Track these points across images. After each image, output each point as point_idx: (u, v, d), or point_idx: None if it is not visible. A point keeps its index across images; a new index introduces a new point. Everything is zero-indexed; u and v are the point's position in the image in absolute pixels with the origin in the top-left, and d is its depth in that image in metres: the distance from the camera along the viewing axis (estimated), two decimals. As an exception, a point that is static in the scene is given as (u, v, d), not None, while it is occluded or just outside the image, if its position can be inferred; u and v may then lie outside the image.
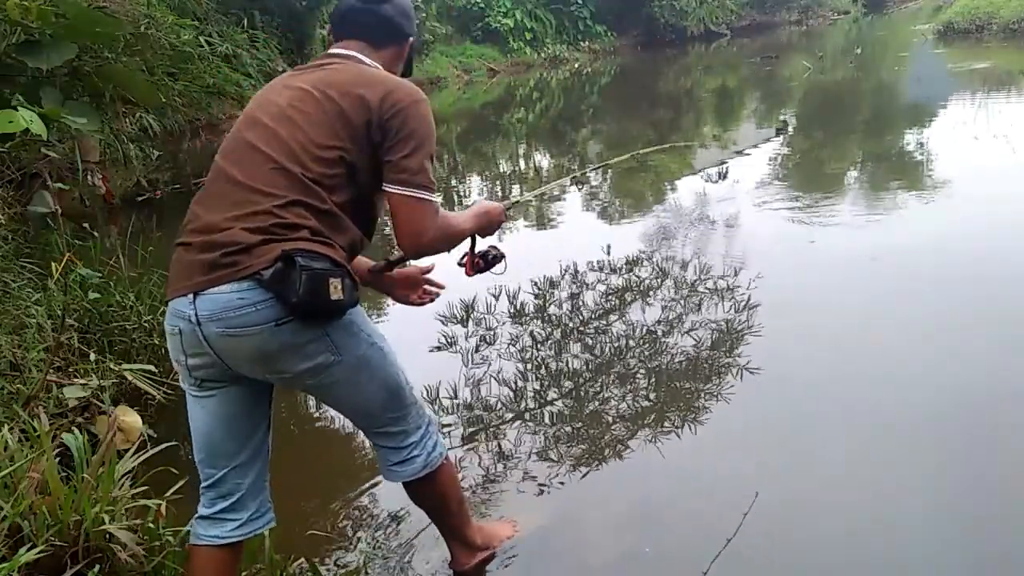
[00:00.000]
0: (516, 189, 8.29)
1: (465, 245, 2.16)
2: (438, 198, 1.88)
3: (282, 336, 1.66)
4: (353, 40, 1.94)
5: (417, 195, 1.79)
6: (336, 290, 1.64)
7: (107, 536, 2.01)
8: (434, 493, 2.08)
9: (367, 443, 3.19)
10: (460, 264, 2.24)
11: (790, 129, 10.33)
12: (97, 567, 1.93)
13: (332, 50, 1.94)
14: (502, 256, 2.20)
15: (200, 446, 1.87)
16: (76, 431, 2.43)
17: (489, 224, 2.10)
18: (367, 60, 1.91)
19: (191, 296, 1.66)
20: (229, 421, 1.83)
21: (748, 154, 8.81)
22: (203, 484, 1.89)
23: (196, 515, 1.91)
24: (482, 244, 2.19)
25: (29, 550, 1.80)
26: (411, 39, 2.02)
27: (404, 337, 4.45)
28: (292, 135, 1.74)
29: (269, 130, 1.75)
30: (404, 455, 1.96)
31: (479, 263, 2.16)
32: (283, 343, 1.67)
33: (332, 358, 1.74)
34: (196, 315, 1.65)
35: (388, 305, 5.06)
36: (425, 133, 1.83)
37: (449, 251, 2.04)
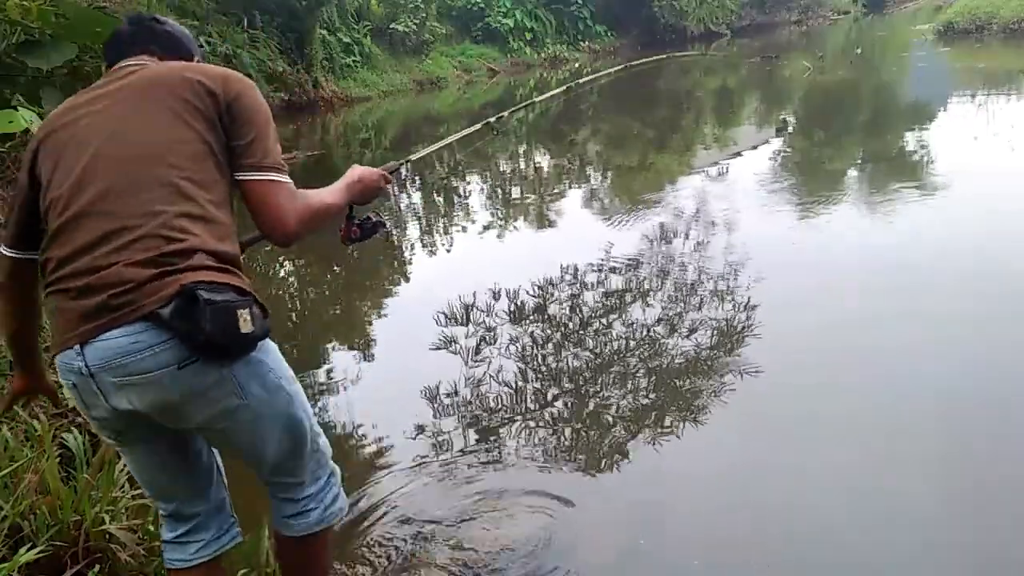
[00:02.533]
0: (516, 191, 8.30)
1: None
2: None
3: (184, 380, 1.47)
4: (138, 55, 1.73)
5: (272, 178, 1.61)
6: (246, 322, 1.47)
7: (107, 536, 2.01)
8: (310, 553, 1.84)
9: (360, 443, 3.20)
10: (339, 231, 2.05)
11: (790, 129, 10.33)
12: (97, 567, 1.93)
13: (115, 68, 1.71)
14: (381, 224, 2.02)
15: (145, 486, 1.78)
16: (76, 431, 2.43)
17: (364, 191, 1.89)
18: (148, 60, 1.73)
19: (78, 347, 1.46)
20: (164, 467, 1.70)
21: (748, 154, 8.81)
22: (160, 514, 1.81)
23: (162, 539, 1.81)
24: (361, 212, 2.02)
25: (29, 550, 1.80)
26: (196, 59, 1.83)
27: (404, 335, 4.49)
28: (140, 137, 1.55)
29: (110, 142, 1.55)
30: (300, 507, 1.78)
31: (355, 231, 1.99)
32: (185, 389, 1.49)
33: (237, 401, 1.55)
34: (87, 366, 1.47)
35: (388, 305, 5.06)
36: (266, 113, 1.65)
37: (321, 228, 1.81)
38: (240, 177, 1.61)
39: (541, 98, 2.98)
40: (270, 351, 1.62)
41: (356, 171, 1.90)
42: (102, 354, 1.46)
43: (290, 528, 1.80)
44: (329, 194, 1.78)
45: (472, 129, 2.46)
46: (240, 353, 1.52)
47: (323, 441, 1.81)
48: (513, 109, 3.14)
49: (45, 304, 1.63)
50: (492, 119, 2.54)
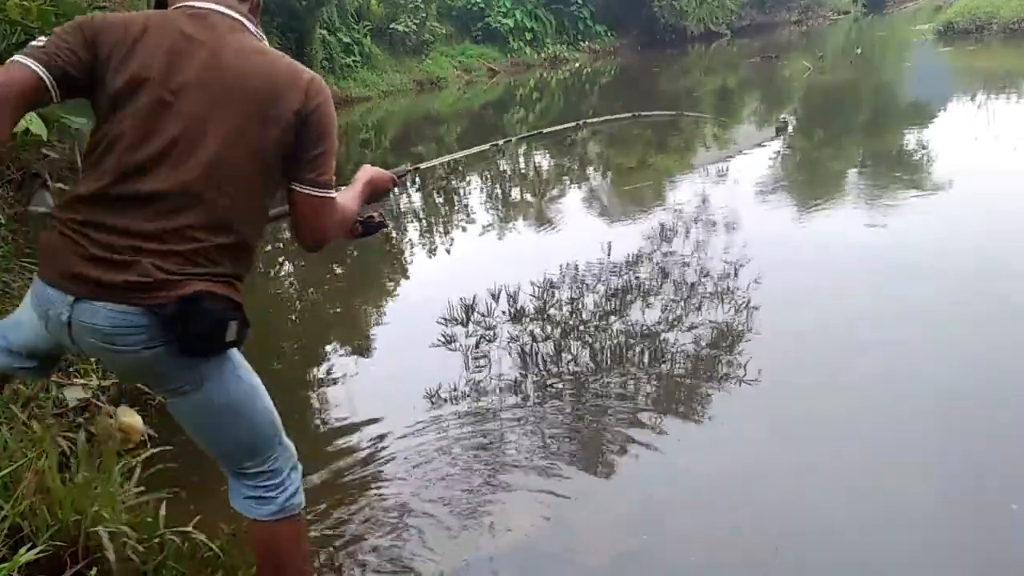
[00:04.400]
0: (516, 192, 8.30)
1: None
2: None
3: (155, 359, 1.60)
4: None
5: (326, 194, 1.70)
6: (232, 331, 1.61)
7: (107, 536, 2.00)
8: (279, 547, 1.86)
9: (361, 444, 3.20)
10: None
11: (790, 129, 10.33)
12: (95, 569, 1.93)
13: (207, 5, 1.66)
14: (383, 223, 2.08)
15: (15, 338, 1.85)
16: (76, 431, 2.43)
17: (374, 192, 2.00)
18: (239, 17, 1.68)
19: (71, 298, 1.56)
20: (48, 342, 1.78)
21: (748, 154, 8.81)
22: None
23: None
24: (366, 209, 2.07)
25: (29, 550, 1.79)
26: None
27: (404, 334, 4.48)
28: (216, 146, 1.57)
29: (191, 125, 1.57)
30: (260, 492, 1.80)
31: (357, 228, 2.02)
32: (150, 366, 1.62)
33: (192, 387, 1.65)
34: (70, 318, 1.57)
35: (387, 304, 5.06)
36: (334, 130, 1.70)
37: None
38: (297, 188, 1.68)
39: (548, 130, 2.96)
40: (235, 352, 1.72)
41: (368, 172, 1.98)
42: (91, 317, 1.56)
43: (250, 511, 1.82)
44: (352, 201, 1.88)
45: (481, 148, 2.52)
46: (214, 354, 1.65)
47: (286, 439, 1.84)
48: (521, 136, 3.26)
49: (49, 225, 1.65)
50: (500, 142, 2.63)
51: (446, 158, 2.47)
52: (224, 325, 1.59)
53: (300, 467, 1.88)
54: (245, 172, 1.62)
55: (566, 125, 3.08)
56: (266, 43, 1.73)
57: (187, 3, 1.67)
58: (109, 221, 1.56)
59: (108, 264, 1.54)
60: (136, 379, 1.74)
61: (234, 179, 1.60)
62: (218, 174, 1.58)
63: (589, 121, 2.61)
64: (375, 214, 2.07)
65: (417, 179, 8.79)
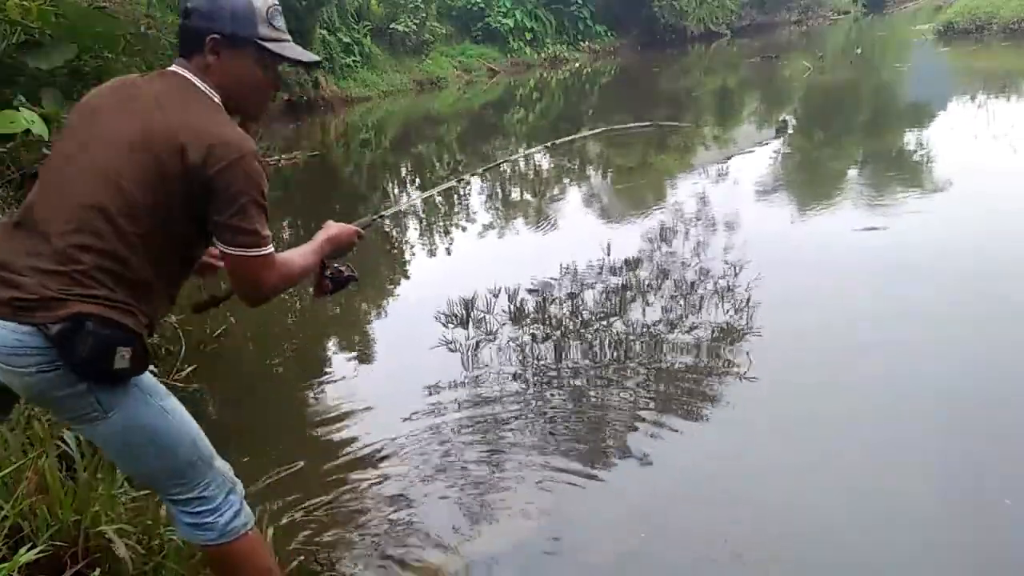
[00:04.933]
0: (516, 192, 8.30)
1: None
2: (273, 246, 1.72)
3: (43, 383, 1.59)
4: (182, 57, 1.77)
5: (249, 253, 1.68)
6: (123, 359, 1.59)
7: (107, 536, 2.00)
8: (232, 567, 1.84)
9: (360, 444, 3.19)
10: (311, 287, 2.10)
11: (790, 129, 10.33)
12: (97, 570, 1.93)
13: (161, 71, 1.79)
14: (353, 277, 2.06)
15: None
16: (76, 431, 2.42)
17: (337, 248, 1.99)
18: (191, 77, 1.73)
19: None
20: None
21: (748, 153, 8.81)
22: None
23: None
24: (334, 263, 2.06)
25: (29, 550, 1.80)
26: (213, 36, 1.71)
27: (404, 334, 4.48)
28: (109, 180, 1.62)
29: (90, 166, 1.64)
30: (197, 519, 1.77)
31: (326, 285, 2.02)
32: (43, 389, 1.61)
33: (95, 415, 1.63)
34: None
35: (387, 304, 5.06)
36: (252, 188, 1.66)
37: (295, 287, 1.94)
38: (221, 247, 1.69)
39: (513, 157, 2.80)
40: (143, 377, 1.69)
41: (331, 229, 1.98)
42: None
43: (192, 536, 1.81)
44: (302, 257, 1.88)
45: (444, 187, 2.54)
46: (106, 381, 1.62)
47: (217, 463, 1.80)
48: (486, 167, 3.20)
49: None
50: (465, 176, 2.66)
51: (412, 200, 2.46)
52: (110, 351, 1.57)
53: (240, 487, 1.84)
54: (139, 213, 1.62)
55: (533, 150, 3.06)
56: (213, 101, 1.73)
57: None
58: (8, 245, 1.63)
59: (3, 283, 1.58)
60: (40, 403, 1.73)
61: (128, 217, 1.61)
62: (110, 208, 1.60)
63: (557, 142, 2.52)
64: (343, 268, 2.04)
65: (416, 179, 8.79)
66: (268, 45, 1.76)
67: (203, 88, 1.72)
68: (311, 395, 3.73)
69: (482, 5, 19.66)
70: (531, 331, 4.23)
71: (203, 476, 1.76)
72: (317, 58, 2.09)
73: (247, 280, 1.73)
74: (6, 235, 1.66)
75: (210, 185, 1.63)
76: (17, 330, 1.56)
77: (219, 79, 1.73)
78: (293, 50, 1.84)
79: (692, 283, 4.77)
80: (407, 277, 5.68)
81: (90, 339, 1.55)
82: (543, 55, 20.55)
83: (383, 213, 2.26)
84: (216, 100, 1.73)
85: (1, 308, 1.57)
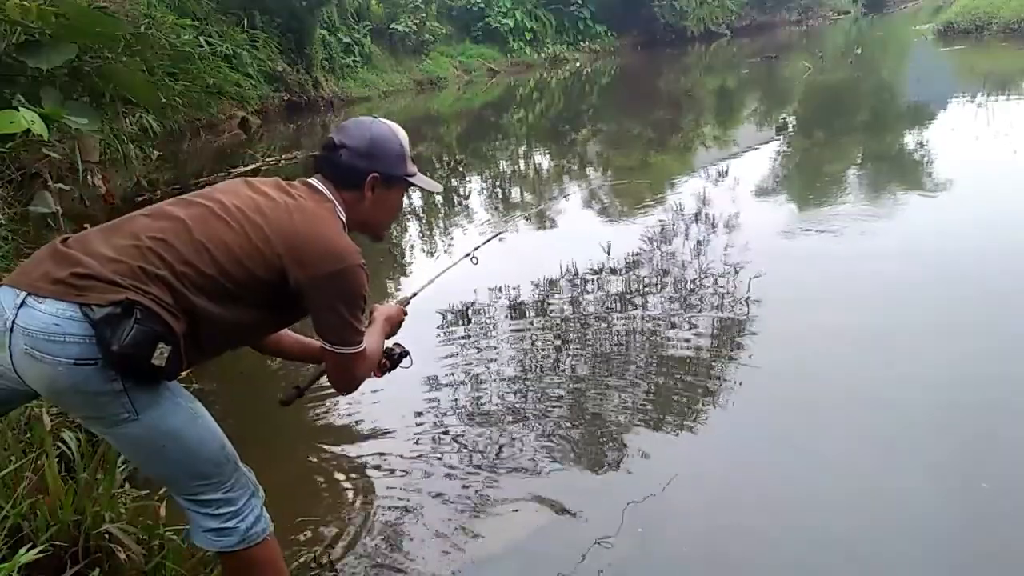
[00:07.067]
0: (516, 191, 8.30)
1: None
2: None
3: (76, 377, 1.56)
4: (326, 178, 1.90)
5: (344, 352, 1.81)
6: (160, 356, 1.56)
7: (107, 536, 2.01)
8: (249, 571, 1.83)
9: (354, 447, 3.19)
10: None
11: (790, 129, 10.34)
12: (97, 569, 1.93)
13: (311, 179, 1.91)
14: (406, 352, 2.21)
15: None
16: (76, 431, 2.43)
17: (394, 327, 2.17)
18: (329, 195, 1.86)
19: (21, 297, 1.57)
20: None
21: (748, 153, 8.82)
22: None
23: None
24: (387, 343, 2.18)
25: (29, 550, 1.79)
26: (374, 174, 1.87)
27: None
28: (218, 238, 1.69)
29: (209, 215, 1.72)
30: (220, 523, 1.76)
31: (385, 364, 2.15)
32: (75, 383, 1.57)
33: (126, 415, 1.62)
34: (14, 320, 1.56)
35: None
36: (347, 297, 1.76)
37: None
38: (320, 343, 1.82)
39: (487, 241, 2.68)
40: (173, 383, 1.71)
41: (383, 312, 2.14)
42: (28, 319, 1.55)
43: (211, 544, 1.79)
44: (376, 341, 2.01)
45: (453, 263, 2.62)
46: (140, 377, 1.60)
47: (242, 467, 1.80)
48: (488, 238, 3.25)
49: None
50: (473, 251, 2.75)
51: (433, 278, 2.56)
52: (152, 344, 1.55)
53: (262, 493, 1.84)
54: (233, 268, 1.67)
55: (490, 237, 3.13)
56: (335, 210, 1.84)
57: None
58: (96, 237, 1.68)
59: (66, 261, 1.60)
60: (63, 399, 1.67)
61: (223, 261, 1.66)
62: (207, 245, 1.66)
63: (480, 245, 2.61)
64: (395, 347, 2.19)
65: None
66: (413, 180, 1.97)
67: (331, 196, 1.86)
68: (310, 395, 3.73)
69: (482, 5, 19.68)
70: (531, 331, 4.23)
71: (229, 476, 1.76)
72: (440, 187, 2.31)
73: (342, 374, 1.87)
74: (97, 232, 1.70)
75: (303, 287, 1.71)
76: (59, 313, 1.53)
77: (369, 211, 1.90)
78: (428, 182, 2.04)
79: (692, 283, 4.77)
80: (407, 276, 5.68)
81: (135, 327, 1.53)
82: (543, 55, 20.58)
83: (416, 291, 2.39)
84: (343, 219, 1.86)
85: (51, 285, 1.56)
